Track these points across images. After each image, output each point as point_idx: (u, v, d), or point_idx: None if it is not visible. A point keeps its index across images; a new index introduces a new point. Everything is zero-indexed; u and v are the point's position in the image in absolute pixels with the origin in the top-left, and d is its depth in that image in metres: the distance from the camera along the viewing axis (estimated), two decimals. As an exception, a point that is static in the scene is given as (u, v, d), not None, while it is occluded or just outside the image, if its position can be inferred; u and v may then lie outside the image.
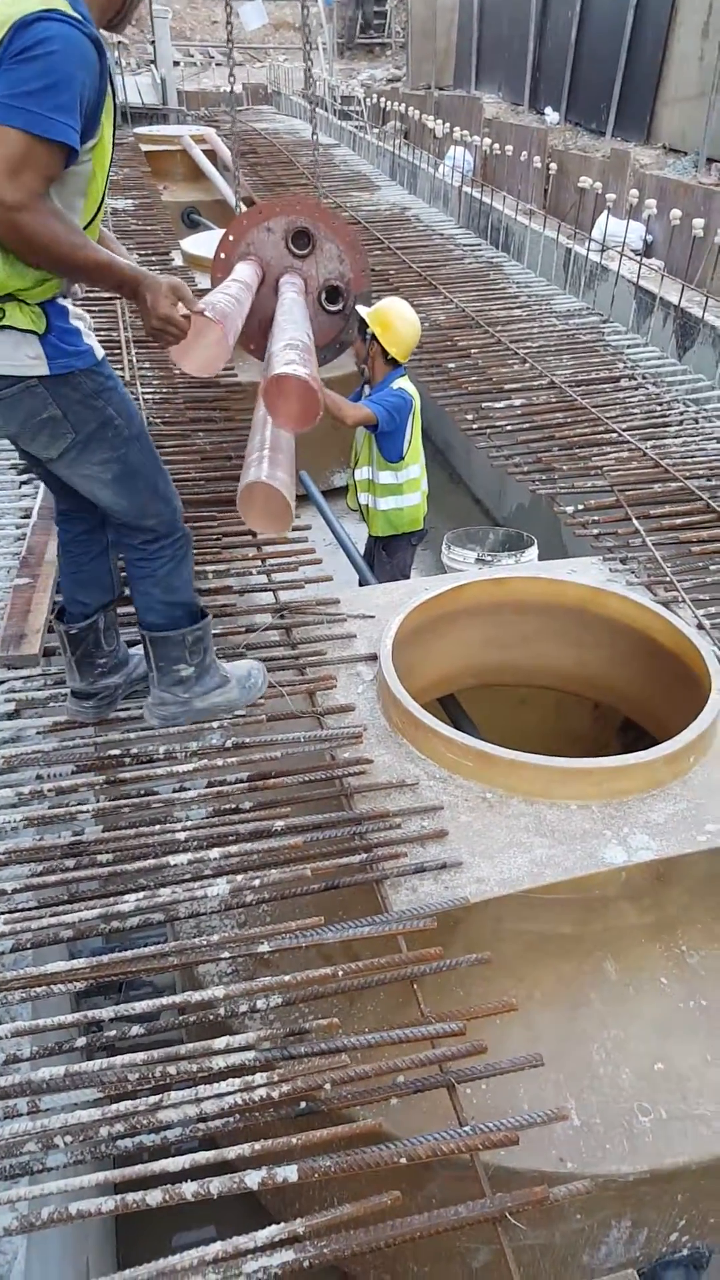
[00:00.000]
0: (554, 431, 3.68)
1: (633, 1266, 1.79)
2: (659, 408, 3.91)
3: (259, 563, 2.79)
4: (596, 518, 3.08)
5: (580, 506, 3.15)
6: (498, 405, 3.90)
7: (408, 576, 3.54)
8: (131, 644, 2.25)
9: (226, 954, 1.57)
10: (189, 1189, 1.21)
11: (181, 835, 1.80)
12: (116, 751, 2.03)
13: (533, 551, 4.03)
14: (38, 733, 2.11)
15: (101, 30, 1.56)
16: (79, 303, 1.73)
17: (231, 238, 2.81)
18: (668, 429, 3.73)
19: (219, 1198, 1.21)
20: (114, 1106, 1.31)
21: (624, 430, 3.67)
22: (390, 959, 1.56)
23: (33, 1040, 1.46)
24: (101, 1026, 1.50)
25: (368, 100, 11.89)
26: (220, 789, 1.92)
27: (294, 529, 2.74)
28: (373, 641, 2.39)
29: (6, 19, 1.40)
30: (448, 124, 7.93)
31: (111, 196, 6.53)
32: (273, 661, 2.32)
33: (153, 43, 11.41)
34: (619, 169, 7.90)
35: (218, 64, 16.01)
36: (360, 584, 3.34)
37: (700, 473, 3.35)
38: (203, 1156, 1.25)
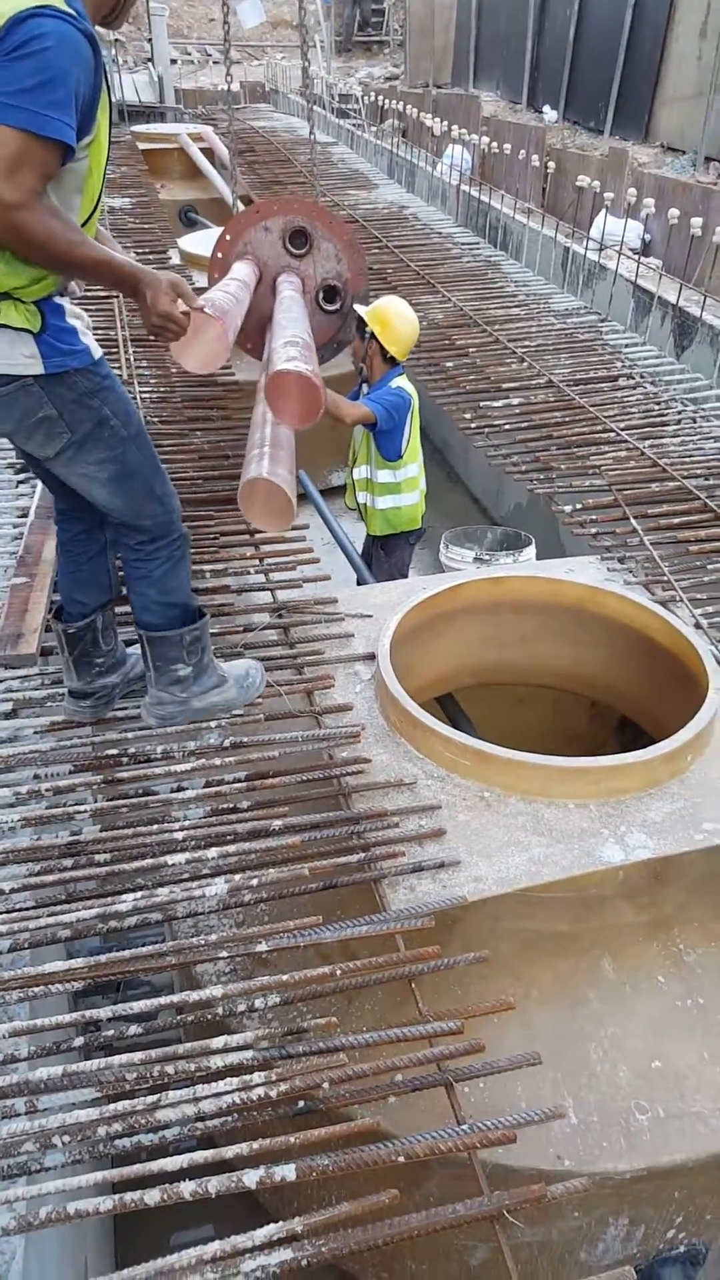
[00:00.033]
0: (552, 430, 3.68)
1: (630, 1264, 1.79)
2: (657, 407, 3.91)
3: (257, 562, 2.79)
4: (594, 517, 3.08)
5: (578, 506, 3.15)
6: (496, 404, 3.90)
7: (406, 576, 3.54)
8: (129, 643, 2.24)
9: (224, 953, 1.57)
10: (187, 1188, 1.21)
11: (179, 835, 1.79)
12: (114, 751, 2.02)
13: (530, 551, 4.03)
14: (35, 732, 2.11)
15: (97, 27, 1.55)
16: (77, 301, 1.73)
17: (229, 237, 2.81)
18: (666, 428, 3.73)
19: (217, 1197, 1.21)
20: (112, 1106, 1.31)
21: (622, 429, 3.67)
22: (388, 958, 1.56)
23: (30, 1040, 1.46)
24: (99, 1026, 1.50)
25: (366, 98, 11.87)
26: (218, 788, 1.92)
27: (292, 528, 2.74)
28: (371, 641, 2.39)
29: (0, 15, 1.39)
30: (446, 122, 7.92)
31: (109, 195, 6.51)
32: (270, 661, 2.32)
33: (150, 40, 11.37)
34: (617, 168, 7.90)
35: (215, 62, 15.97)
36: (358, 583, 3.34)
37: (698, 472, 3.36)
38: (201, 1156, 1.26)
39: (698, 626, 2.51)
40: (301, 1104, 1.35)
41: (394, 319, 3.21)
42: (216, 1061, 1.37)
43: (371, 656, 2.33)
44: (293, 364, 1.96)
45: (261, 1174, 1.23)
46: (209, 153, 7.97)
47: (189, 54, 17.27)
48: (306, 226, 2.77)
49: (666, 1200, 1.71)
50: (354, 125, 10.34)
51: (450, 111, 10.32)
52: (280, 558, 2.80)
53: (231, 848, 1.76)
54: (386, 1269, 1.87)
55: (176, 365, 3.96)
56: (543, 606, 2.66)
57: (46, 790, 1.93)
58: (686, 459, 3.46)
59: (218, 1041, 1.40)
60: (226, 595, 2.63)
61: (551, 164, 7.33)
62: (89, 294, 4.30)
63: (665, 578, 2.72)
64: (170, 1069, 1.36)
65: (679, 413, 3.87)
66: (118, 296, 4.50)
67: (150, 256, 5.34)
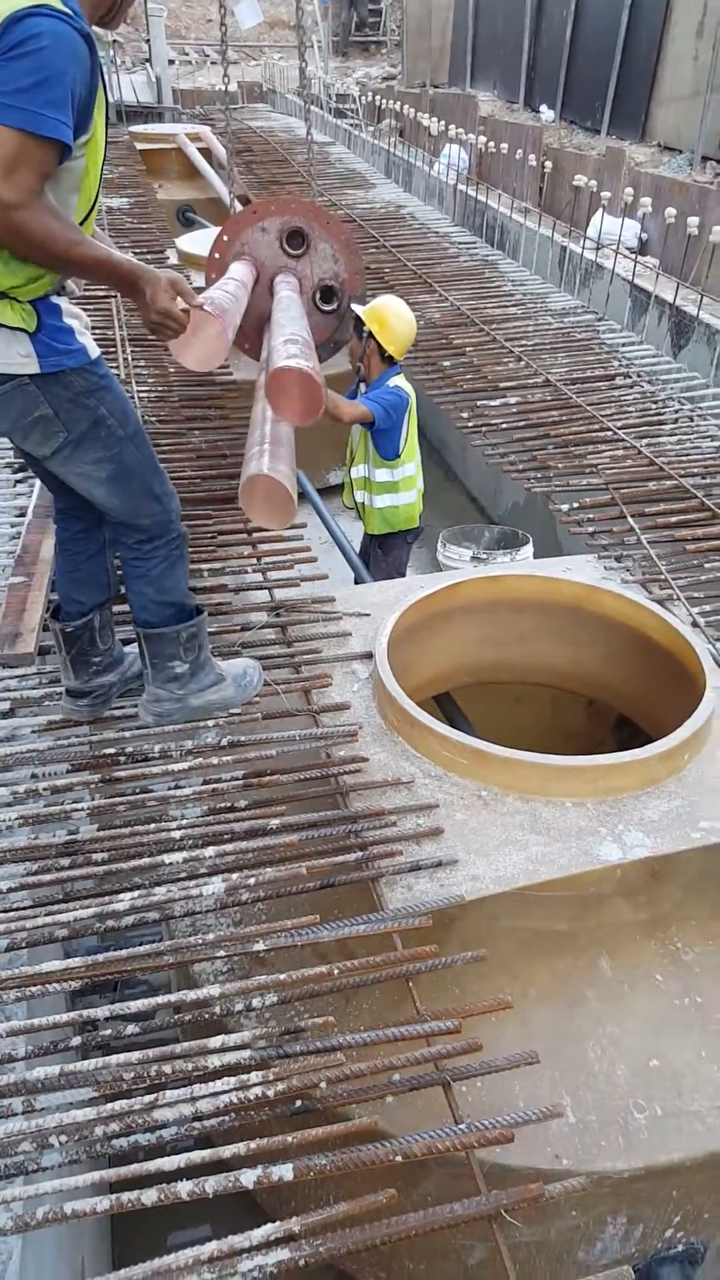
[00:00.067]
0: (549, 429, 3.68)
1: (628, 1263, 1.79)
2: (654, 406, 3.92)
3: (254, 561, 2.79)
4: (591, 516, 3.08)
5: (575, 504, 3.15)
6: (493, 403, 3.90)
7: (403, 574, 3.54)
8: (127, 642, 2.24)
9: (222, 952, 1.57)
10: (184, 1188, 1.20)
11: (177, 834, 1.79)
12: (111, 750, 2.02)
13: (528, 549, 4.03)
14: (33, 731, 2.11)
15: (95, 27, 1.55)
16: (75, 301, 1.72)
17: (226, 238, 2.81)
18: (662, 427, 3.74)
19: (214, 1197, 1.21)
20: (109, 1106, 1.31)
21: (619, 428, 3.67)
22: (385, 957, 1.56)
23: (28, 1040, 1.46)
24: (96, 1026, 1.50)
25: (363, 98, 11.88)
26: (215, 787, 1.92)
27: (290, 527, 2.74)
28: (368, 639, 2.39)
29: None
30: (443, 122, 7.93)
31: (107, 195, 6.51)
32: (268, 659, 2.32)
33: (148, 41, 11.38)
34: (614, 167, 7.91)
35: (213, 62, 15.97)
36: (356, 582, 3.34)
37: (695, 471, 3.36)
38: (198, 1155, 1.25)
39: (695, 625, 2.51)
40: (299, 1103, 1.35)
41: (392, 318, 3.21)
42: (214, 1061, 1.37)
43: (369, 655, 2.33)
44: (294, 361, 1.97)
45: (259, 1174, 1.23)
46: (207, 153, 7.97)
47: (187, 54, 17.27)
48: (304, 227, 2.77)
49: (664, 1199, 1.71)
50: (351, 125, 10.34)
51: (447, 111, 10.32)
52: (278, 556, 2.80)
53: (229, 847, 1.75)
54: (384, 1269, 1.86)
55: (174, 365, 3.97)
56: (540, 605, 2.66)
57: (44, 789, 1.92)
58: (683, 458, 3.47)
59: (215, 1041, 1.40)
60: (224, 594, 2.63)
61: (548, 163, 7.34)
62: (86, 293, 4.29)
63: (662, 576, 2.73)
64: (167, 1068, 1.36)
65: (676, 412, 3.87)
66: (115, 296, 4.49)
67: (148, 256, 5.34)
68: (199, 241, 5.47)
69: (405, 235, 6.30)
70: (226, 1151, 1.27)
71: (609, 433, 3.65)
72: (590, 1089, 1.66)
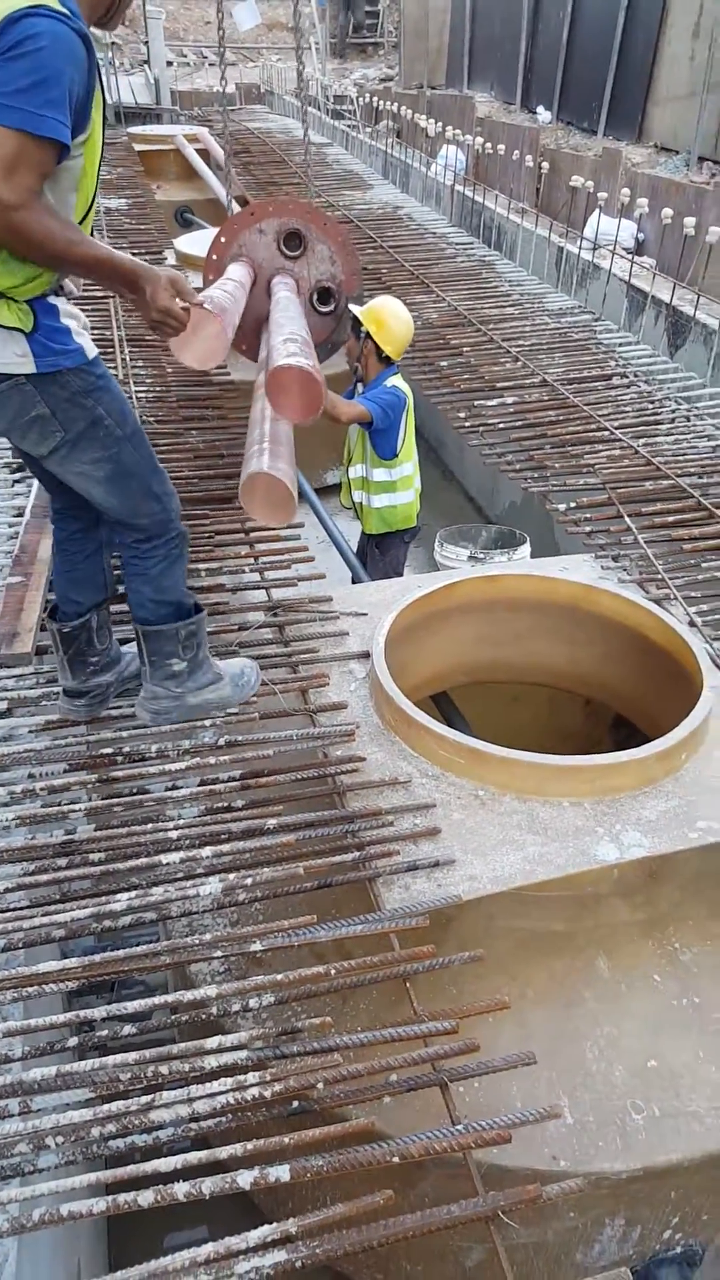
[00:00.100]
0: (546, 429, 3.68)
1: (626, 1265, 1.79)
2: (650, 406, 3.92)
3: (252, 560, 2.79)
4: (589, 515, 3.09)
5: (572, 504, 3.16)
6: (490, 403, 3.90)
7: (400, 574, 3.54)
8: (124, 642, 2.24)
9: (219, 953, 1.56)
10: (181, 1189, 1.20)
11: (174, 834, 1.79)
12: (109, 750, 2.02)
13: (525, 549, 4.03)
14: (30, 731, 2.10)
15: (93, 28, 1.56)
16: (74, 301, 1.72)
17: (224, 239, 2.81)
18: (659, 427, 3.74)
19: (211, 1198, 1.21)
20: (106, 1107, 1.30)
21: (616, 428, 3.67)
22: (383, 957, 1.55)
23: (24, 1040, 1.45)
24: (93, 1026, 1.49)
25: (360, 99, 11.89)
26: (212, 787, 1.92)
27: (287, 526, 2.74)
28: (365, 639, 2.39)
29: None
30: (440, 123, 7.94)
31: (105, 196, 6.52)
32: (265, 659, 2.32)
33: (146, 43, 11.40)
34: (611, 168, 7.92)
35: (211, 64, 15.98)
36: (353, 582, 3.34)
37: (692, 470, 3.36)
38: (195, 1157, 1.25)
39: (692, 624, 2.51)
40: (296, 1104, 1.34)
41: (389, 319, 3.21)
42: (211, 1062, 1.37)
43: (366, 655, 2.32)
44: (294, 359, 1.97)
45: (256, 1175, 1.22)
46: (205, 154, 7.97)
47: (185, 56, 17.28)
48: (301, 229, 2.77)
49: (663, 1200, 1.71)
50: (349, 126, 10.35)
51: (444, 112, 10.33)
52: (275, 556, 2.79)
53: (226, 847, 1.75)
54: (381, 1270, 1.86)
55: (172, 365, 3.97)
56: (537, 605, 2.66)
57: (41, 789, 1.92)
58: (680, 457, 3.47)
59: (212, 1042, 1.40)
60: (221, 594, 2.62)
61: (545, 164, 7.34)
62: (84, 293, 4.28)
63: (659, 576, 2.73)
64: (164, 1069, 1.35)
65: (672, 411, 3.87)
66: (113, 297, 4.49)
67: (146, 257, 5.33)
68: (197, 242, 5.47)
69: (402, 236, 6.31)
70: (223, 1152, 1.27)
71: (606, 432, 3.65)
72: (588, 1089, 1.66)
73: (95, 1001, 1.85)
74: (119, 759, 2.00)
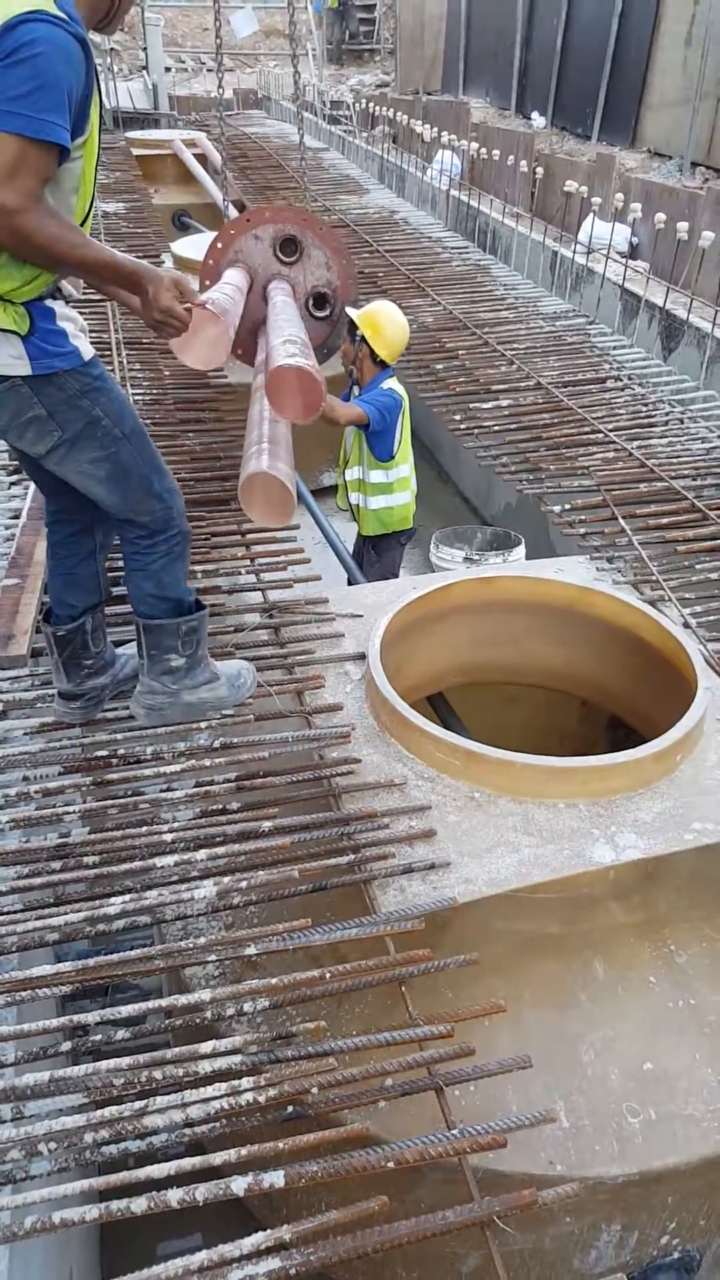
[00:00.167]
0: (541, 432, 3.69)
1: (623, 1271, 1.78)
2: (645, 408, 3.93)
3: (248, 562, 2.79)
4: (583, 517, 3.09)
5: (567, 506, 3.16)
6: (485, 406, 3.91)
7: (396, 576, 3.54)
8: (119, 644, 2.23)
9: (213, 957, 1.55)
10: (174, 1196, 1.19)
11: (169, 837, 1.78)
12: (104, 752, 2.01)
13: (520, 551, 4.04)
14: (25, 734, 2.09)
15: (92, 33, 1.57)
16: (72, 304, 1.73)
17: (220, 245, 2.81)
18: (653, 429, 3.75)
19: (205, 1204, 1.20)
20: (99, 1112, 1.29)
21: (610, 430, 3.68)
22: (378, 961, 1.55)
23: (17, 1045, 1.44)
24: (87, 1031, 1.48)
25: (357, 105, 11.94)
26: (208, 790, 1.91)
27: (283, 528, 2.74)
28: (361, 640, 2.39)
29: None
30: (435, 128, 7.97)
31: (103, 200, 6.53)
32: (261, 660, 2.31)
33: (145, 49, 11.44)
34: (605, 173, 7.96)
35: (209, 70, 16.05)
36: (349, 583, 3.33)
37: (685, 472, 3.37)
38: (189, 1163, 1.24)
39: (686, 626, 2.52)
40: (290, 1109, 1.33)
41: (385, 323, 3.22)
42: (205, 1066, 1.36)
43: (362, 656, 2.32)
44: (294, 360, 1.98)
45: (250, 1181, 1.21)
46: (202, 158, 7.99)
47: (183, 62, 17.35)
48: (296, 234, 2.78)
49: (659, 1205, 1.70)
50: (345, 131, 10.39)
51: (440, 118, 10.39)
52: (271, 558, 2.79)
53: (221, 850, 1.74)
54: (376, 1277, 1.85)
55: (169, 367, 3.97)
56: (533, 606, 2.66)
57: (35, 792, 1.91)
58: (674, 459, 3.48)
59: (206, 1046, 1.39)
60: (218, 595, 2.62)
61: (540, 169, 7.38)
62: (82, 296, 4.28)
63: (654, 577, 2.73)
64: (158, 1074, 1.34)
65: (666, 414, 3.89)
66: (110, 300, 4.48)
67: (143, 260, 5.34)
68: (194, 246, 5.48)
69: (398, 240, 6.33)
70: (217, 1158, 1.26)
71: (600, 435, 3.66)
72: (584, 1093, 1.65)
73: (89, 1006, 1.84)
74: (114, 761, 1.99)
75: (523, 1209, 1.25)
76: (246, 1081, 1.33)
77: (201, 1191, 1.20)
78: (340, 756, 2.01)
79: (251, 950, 1.54)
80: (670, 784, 1.97)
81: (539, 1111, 1.39)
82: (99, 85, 1.61)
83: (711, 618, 2.58)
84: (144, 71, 11.53)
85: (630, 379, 4.20)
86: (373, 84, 16.83)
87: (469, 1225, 1.24)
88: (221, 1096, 1.31)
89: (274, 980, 1.49)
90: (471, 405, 3.91)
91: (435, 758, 1.99)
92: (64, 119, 1.44)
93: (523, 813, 1.88)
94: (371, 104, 10.67)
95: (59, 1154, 1.26)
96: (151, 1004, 1.49)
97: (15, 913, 1.63)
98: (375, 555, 3.54)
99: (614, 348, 4.57)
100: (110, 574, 2.13)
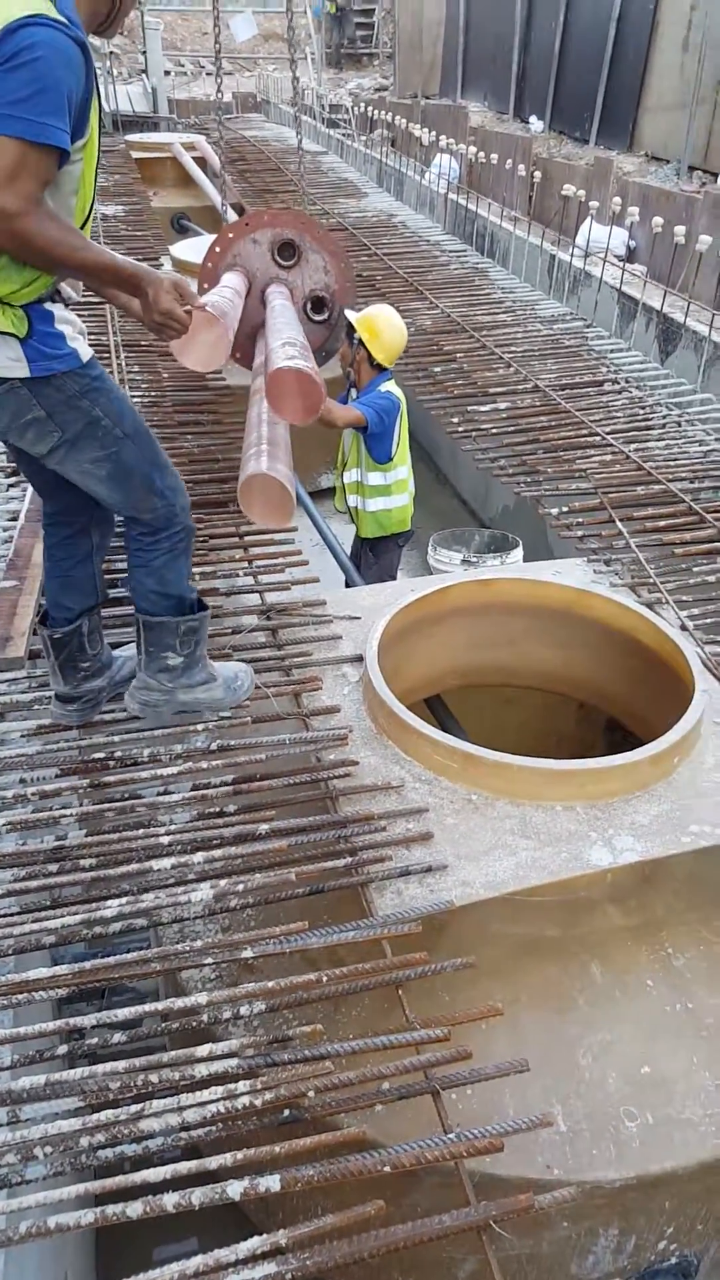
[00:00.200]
0: (538, 435, 3.69)
1: (620, 1276, 1.77)
2: (642, 411, 3.94)
3: (245, 564, 2.79)
4: (581, 519, 3.09)
5: (565, 509, 3.17)
6: (483, 409, 3.91)
7: (394, 578, 3.54)
8: (116, 646, 2.23)
9: (210, 959, 1.55)
10: (170, 1200, 1.19)
11: (165, 839, 1.78)
12: (101, 755, 2.01)
13: (518, 553, 4.04)
14: (21, 736, 2.09)
15: (91, 36, 1.58)
16: (71, 307, 1.73)
17: (218, 248, 2.82)
18: (650, 432, 3.76)
19: (201, 1208, 1.19)
20: (95, 1116, 1.29)
21: (607, 433, 3.69)
22: (375, 964, 1.54)
23: (13, 1049, 1.44)
24: (83, 1034, 1.47)
25: (355, 109, 11.98)
26: (205, 792, 1.90)
27: (281, 530, 2.74)
28: (359, 643, 2.39)
29: None
30: (434, 132, 7.99)
31: (102, 202, 6.53)
32: (259, 662, 2.31)
33: (144, 53, 11.47)
34: (602, 176, 7.98)
35: (208, 73, 16.09)
36: (347, 585, 3.34)
37: (683, 475, 3.38)
38: (185, 1167, 1.23)
39: (683, 628, 2.52)
40: (287, 1113, 1.33)
41: (383, 327, 3.22)
42: (201, 1070, 1.35)
43: (360, 658, 2.32)
44: (293, 362, 1.98)
45: (246, 1185, 1.21)
46: (201, 161, 8.01)
47: (182, 66, 17.39)
48: (295, 239, 2.78)
49: (657, 1210, 1.70)
50: (344, 135, 10.43)
51: (438, 122, 10.41)
52: (269, 560, 2.79)
53: (218, 852, 1.74)
54: (375, 1281, 1.84)
55: (167, 370, 3.97)
56: (530, 608, 2.66)
57: (32, 794, 1.90)
58: (671, 462, 3.49)
59: (203, 1049, 1.38)
60: (215, 597, 2.62)
61: (538, 173, 7.40)
62: (81, 298, 4.28)
63: (651, 580, 2.73)
64: (154, 1077, 1.34)
65: (663, 417, 3.89)
66: (106, 302, 4.49)
67: (143, 263, 5.34)
68: (193, 249, 5.48)
69: (397, 243, 6.34)
70: (213, 1162, 1.25)
71: (597, 438, 3.66)
72: (581, 1097, 1.65)
73: (85, 1009, 1.83)
74: (111, 764, 1.98)
75: (520, 1213, 1.24)
76: (243, 1085, 1.32)
77: (197, 1196, 1.19)
78: (337, 759, 2.01)
79: (248, 953, 1.54)
80: (668, 787, 1.97)
81: (536, 1115, 1.39)
82: (98, 88, 1.62)
83: (709, 620, 2.58)
84: (143, 75, 11.57)
85: (628, 382, 4.21)
86: (371, 88, 16.87)
87: (466, 1230, 1.23)
88: (218, 1100, 1.31)
89: (271, 983, 1.48)
90: (469, 408, 3.92)
91: (433, 760, 1.99)
92: (64, 122, 1.45)
93: (520, 815, 1.88)
94: (370, 108, 10.70)
95: (54, 1158, 1.26)
96: (148, 1007, 1.49)
97: (12, 915, 1.63)
98: (373, 557, 3.54)
99: (611, 351, 4.58)
100: (107, 576, 2.13)
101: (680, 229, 4.73)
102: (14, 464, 2.76)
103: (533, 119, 11.71)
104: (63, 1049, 1.43)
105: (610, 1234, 1.70)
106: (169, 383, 3.90)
